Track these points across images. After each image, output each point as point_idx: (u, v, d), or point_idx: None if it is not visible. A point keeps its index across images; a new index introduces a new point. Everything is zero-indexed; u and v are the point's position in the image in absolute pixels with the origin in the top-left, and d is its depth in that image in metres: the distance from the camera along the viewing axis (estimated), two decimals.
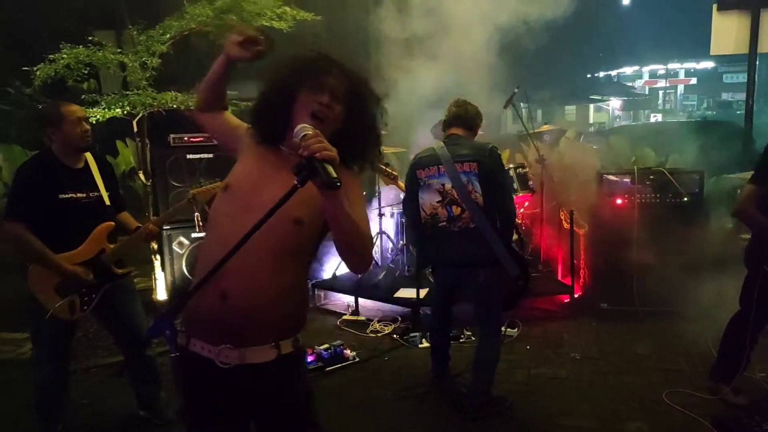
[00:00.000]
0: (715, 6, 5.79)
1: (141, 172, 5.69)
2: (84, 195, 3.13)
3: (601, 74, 30.00)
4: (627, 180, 5.04)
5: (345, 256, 1.74)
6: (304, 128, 1.58)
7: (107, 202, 3.21)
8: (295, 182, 1.47)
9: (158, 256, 5.60)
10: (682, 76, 36.75)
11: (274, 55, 1.92)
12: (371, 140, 1.85)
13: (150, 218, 3.44)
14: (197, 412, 1.78)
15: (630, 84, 34.75)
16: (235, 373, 1.68)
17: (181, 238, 5.64)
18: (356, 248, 1.70)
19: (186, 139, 5.59)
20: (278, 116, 1.78)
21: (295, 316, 1.80)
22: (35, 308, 3.06)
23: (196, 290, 1.56)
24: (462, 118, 3.65)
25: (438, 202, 3.52)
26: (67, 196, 3.06)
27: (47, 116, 3.10)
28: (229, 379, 1.68)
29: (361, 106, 1.81)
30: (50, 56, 4.78)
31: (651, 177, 5.00)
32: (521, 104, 5.88)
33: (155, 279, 5.68)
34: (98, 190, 3.18)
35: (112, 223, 3.22)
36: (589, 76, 26.44)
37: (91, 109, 4.96)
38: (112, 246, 3.20)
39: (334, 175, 1.47)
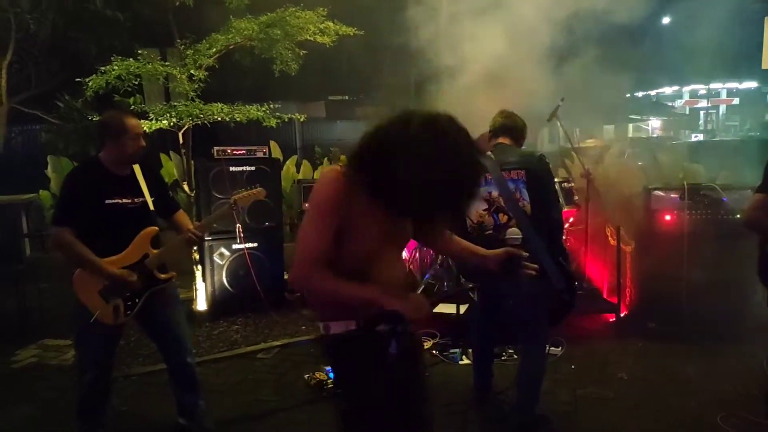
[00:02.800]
0: (767, 18, 5.65)
1: (185, 183, 5.78)
2: (129, 200, 3.17)
3: (640, 94, 29.49)
4: (675, 196, 4.90)
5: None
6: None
7: (152, 208, 3.25)
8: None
9: (199, 267, 5.65)
10: (724, 96, 35.91)
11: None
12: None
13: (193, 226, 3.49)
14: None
15: (670, 104, 34.08)
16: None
17: (222, 249, 5.70)
18: None
19: (229, 151, 5.67)
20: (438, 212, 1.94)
21: None
22: (80, 313, 3.10)
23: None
24: (509, 128, 3.60)
25: (484, 210, 3.47)
26: (113, 201, 3.11)
27: (109, 125, 3.15)
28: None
29: None
30: (102, 68, 4.92)
31: (701, 193, 4.84)
32: (558, 123, 5.80)
33: (196, 289, 5.73)
34: (143, 196, 3.23)
35: (156, 228, 3.26)
36: (628, 95, 26.07)
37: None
38: (155, 251, 3.23)
39: None
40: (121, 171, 3.19)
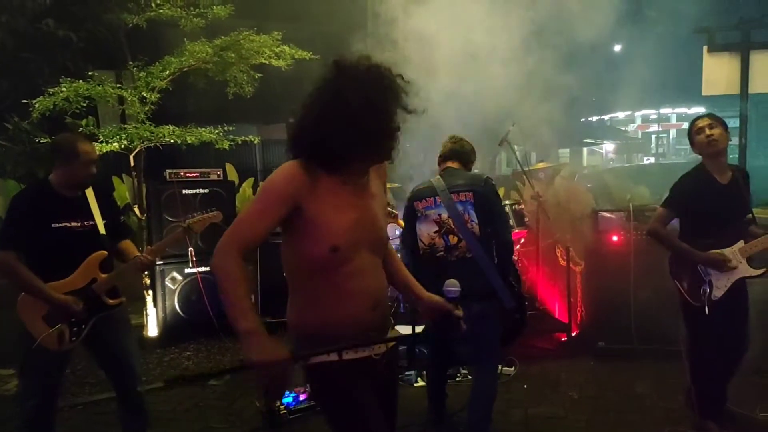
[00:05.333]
0: (705, 48, 5.92)
1: (136, 206, 5.68)
2: (78, 224, 3.09)
3: (594, 118, 30.43)
4: (622, 217, 5.04)
5: None
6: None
7: (102, 231, 3.17)
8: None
9: (150, 292, 5.54)
10: (674, 120, 37.33)
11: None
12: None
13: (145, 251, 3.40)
14: (362, 401, 2.00)
15: (623, 128, 35.22)
16: (381, 359, 2.02)
17: (174, 274, 5.60)
18: None
19: (182, 174, 5.61)
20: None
21: None
22: (25, 338, 3.00)
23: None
24: (458, 153, 3.70)
25: (435, 232, 3.52)
26: (60, 224, 3.03)
27: (62, 149, 3.08)
28: (378, 365, 2.01)
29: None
30: (50, 90, 4.83)
31: (646, 214, 4.99)
32: (515, 146, 5.92)
33: (146, 315, 5.61)
34: (93, 219, 3.15)
35: (105, 252, 3.17)
36: (582, 120, 26.83)
37: None
38: (104, 275, 3.15)
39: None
40: (70, 193, 3.12)
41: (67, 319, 3.04)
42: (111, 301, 3.19)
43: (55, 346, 3.02)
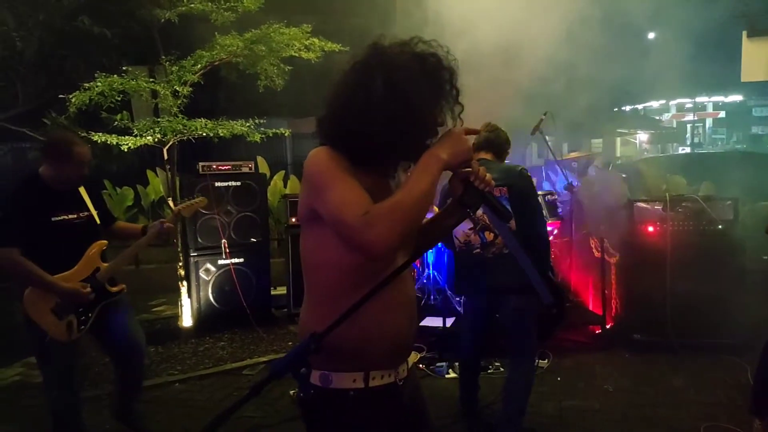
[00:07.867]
0: (744, 33, 5.75)
1: (170, 199, 5.77)
2: (75, 215, 3.17)
3: (628, 108, 29.77)
4: (658, 207, 4.93)
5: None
6: None
7: (98, 221, 3.26)
8: (470, 212, 1.65)
9: (185, 283, 5.63)
10: (710, 109, 36.36)
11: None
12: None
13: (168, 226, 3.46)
14: None
15: (657, 118, 34.44)
16: (403, 385, 1.73)
17: (208, 265, 5.69)
18: None
19: (215, 167, 5.68)
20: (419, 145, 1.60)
21: None
22: (35, 333, 3.05)
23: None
24: (493, 143, 3.60)
25: (470, 229, 3.46)
26: (59, 218, 3.09)
27: (56, 149, 3.11)
28: (400, 393, 1.71)
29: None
30: (85, 84, 4.93)
31: (683, 204, 4.89)
32: (546, 137, 5.83)
33: (181, 306, 5.70)
34: (88, 209, 3.24)
35: (106, 241, 3.27)
36: (615, 109, 26.28)
37: (122, 137, 5.09)
38: (105, 264, 3.23)
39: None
40: (62, 188, 3.17)
41: (75, 309, 3.11)
42: (113, 288, 3.30)
43: (65, 336, 3.08)
